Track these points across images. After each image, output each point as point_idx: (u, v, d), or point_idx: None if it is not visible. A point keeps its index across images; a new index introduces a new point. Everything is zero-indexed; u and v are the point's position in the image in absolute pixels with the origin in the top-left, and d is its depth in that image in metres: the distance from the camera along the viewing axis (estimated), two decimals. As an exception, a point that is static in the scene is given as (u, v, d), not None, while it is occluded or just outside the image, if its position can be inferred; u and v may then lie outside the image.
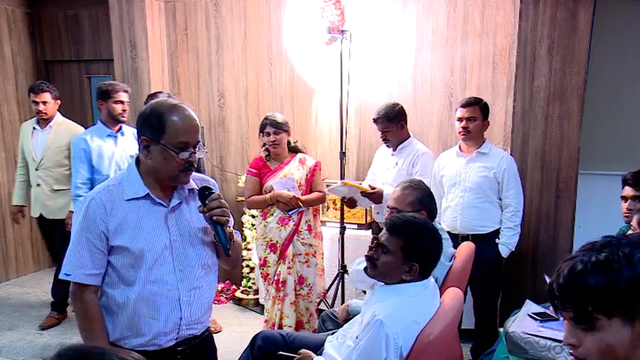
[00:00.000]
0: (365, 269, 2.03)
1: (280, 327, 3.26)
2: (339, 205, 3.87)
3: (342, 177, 3.72)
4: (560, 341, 2.34)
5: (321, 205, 4.15)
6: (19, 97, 5.01)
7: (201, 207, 1.66)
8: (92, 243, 1.61)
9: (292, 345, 2.32)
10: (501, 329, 2.68)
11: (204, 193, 1.67)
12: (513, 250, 3.10)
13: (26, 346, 3.67)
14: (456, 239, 3.10)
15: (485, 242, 3.06)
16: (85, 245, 1.61)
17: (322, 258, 3.59)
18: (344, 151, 3.80)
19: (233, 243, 1.74)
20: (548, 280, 2.30)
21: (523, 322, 2.53)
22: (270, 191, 3.25)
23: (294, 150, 3.36)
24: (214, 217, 1.64)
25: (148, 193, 1.65)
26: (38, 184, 3.87)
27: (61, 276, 1.64)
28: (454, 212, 3.14)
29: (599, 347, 0.93)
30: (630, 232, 2.23)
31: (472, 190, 3.07)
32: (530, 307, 2.71)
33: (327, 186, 3.54)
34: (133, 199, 1.64)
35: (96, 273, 1.63)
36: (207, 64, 4.66)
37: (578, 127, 3.45)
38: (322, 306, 3.83)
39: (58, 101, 3.93)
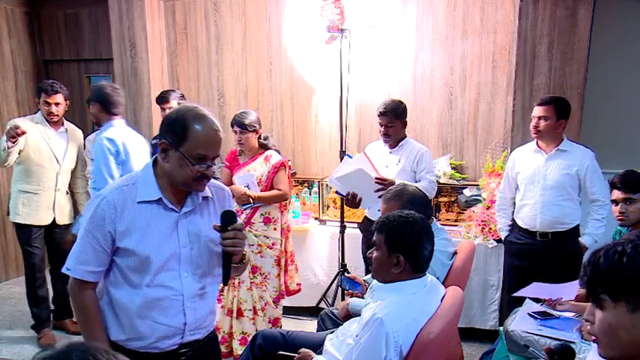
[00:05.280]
0: None
1: (239, 312, 3.31)
2: (339, 203, 3.87)
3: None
4: (559, 340, 2.34)
5: (320, 203, 4.17)
6: (19, 96, 5.01)
7: (218, 227, 1.64)
8: (97, 241, 1.60)
9: (292, 344, 2.32)
10: (501, 328, 2.68)
11: (226, 217, 1.65)
12: (598, 240, 3.05)
13: (26, 346, 3.67)
14: (534, 237, 3.13)
15: (565, 240, 3.08)
16: (91, 243, 1.61)
17: (284, 254, 3.49)
18: (344, 149, 3.80)
19: (244, 264, 1.77)
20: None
21: (523, 321, 2.53)
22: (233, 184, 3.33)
23: (264, 147, 3.38)
24: (223, 248, 1.65)
25: (160, 198, 1.64)
26: (59, 189, 3.68)
27: (63, 270, 1.65)
28: (533, 210, 3.12)
29: (602, 326, 1.02)
30: None
31: (553, 189, 3.05)
32: (530, 306, 2.71)
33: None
34: (144, 202, 1.62)
35: (97, 270, 1.64)
36: (207, 63, 4.66)
37: (578, 125, 3.45)
38: (322, 305, 3.84)
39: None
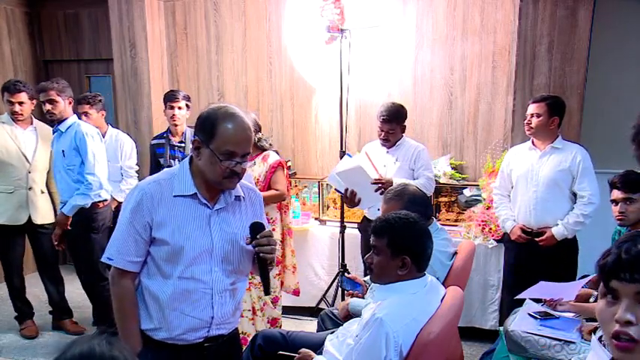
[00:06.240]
0: None
1: None
2: (339, 203, 3.87)
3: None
4: (559, 340, 2.33)
5: (320, 203, 4.17)
6: (19, 96, 5.01)
7: (249, 239, 1.70)
8: (137, 232, 1.67)
9: (292, 344, 2.32)
10: (501, 328, 2.68)
11: (255, 227, 1.71)
12: (568, 236, 3.04)
13: (26, 346, 3.67)
14: (531, 234, 3.13)
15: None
16: (132, 233, 1.67)
17: (293, 255, 3.55)
18: (344, 149, 3.80)
19: (272, 267, 1.81)
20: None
21: (523, 321, 2.53)
22: None
23: (260, 148, 3.36)
24: (260, 254, 1.69)
25: (195, 193, 1.70)
26: (30, 187, 3.69)
27: (103, 259, 1.71)
28: (527, 207, 3.14)
29: None
30: None
31: (545, 185, 3.07)
32: (530, 306, 2.71)
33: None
34: (180, 195, 1.69)
35: (137, 260, 1.71)
36: (207, 63, 4.66)
37: (578, 125, 3.45)
38: (322, 305, 3.84)
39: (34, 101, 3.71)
